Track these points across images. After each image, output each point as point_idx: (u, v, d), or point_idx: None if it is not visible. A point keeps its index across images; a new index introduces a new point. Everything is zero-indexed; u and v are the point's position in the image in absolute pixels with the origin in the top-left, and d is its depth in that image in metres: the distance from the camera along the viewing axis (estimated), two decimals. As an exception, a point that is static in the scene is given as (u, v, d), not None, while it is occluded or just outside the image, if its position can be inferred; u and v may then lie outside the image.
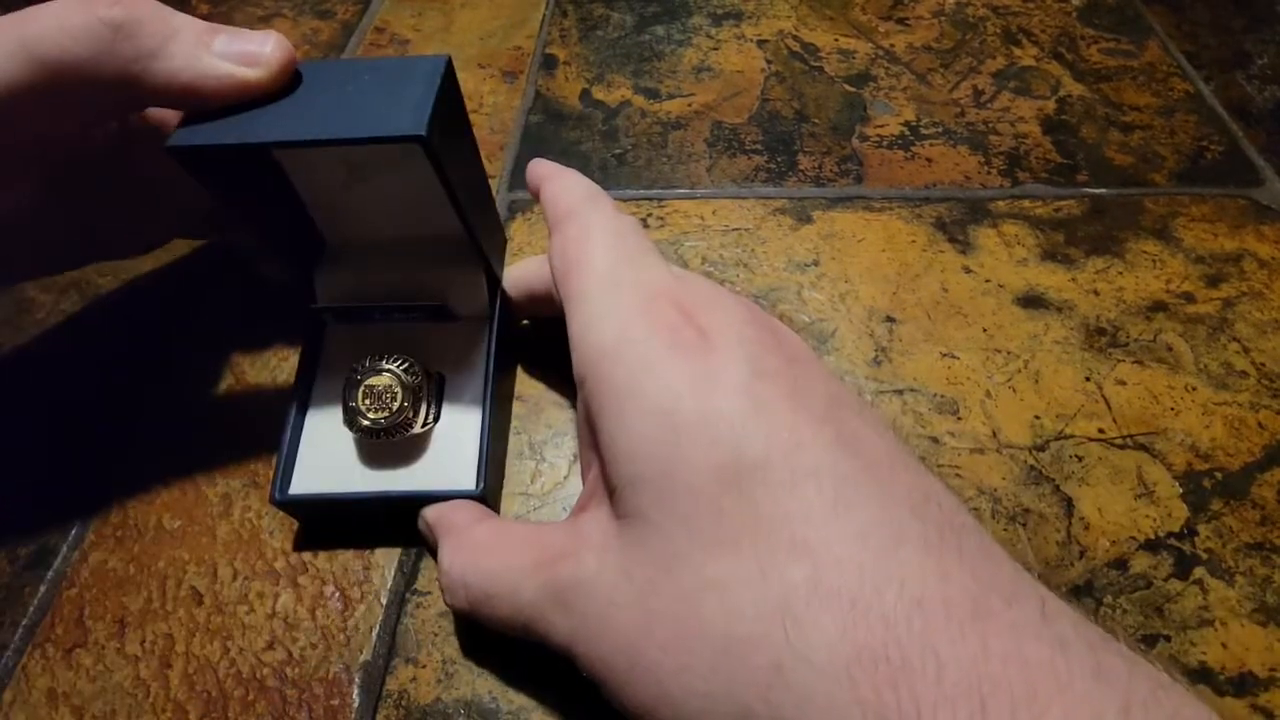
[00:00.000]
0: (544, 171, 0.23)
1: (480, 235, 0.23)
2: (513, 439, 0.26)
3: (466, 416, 0.24)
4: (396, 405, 0.22)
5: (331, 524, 0.24)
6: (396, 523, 0.23)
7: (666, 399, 0.16)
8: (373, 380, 0.22)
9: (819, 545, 0.14)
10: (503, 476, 0.25)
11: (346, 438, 0.24)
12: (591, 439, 0.18)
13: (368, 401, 0.22)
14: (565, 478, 0.25)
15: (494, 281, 0.25)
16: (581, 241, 0.20)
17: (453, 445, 0.24)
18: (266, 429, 0.25)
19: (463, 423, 0.24)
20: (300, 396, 0.24)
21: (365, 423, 0.22)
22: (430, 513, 0.22)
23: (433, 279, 0.25)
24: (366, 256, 0.26)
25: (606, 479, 0.17)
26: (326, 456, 0.23)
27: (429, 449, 0.24)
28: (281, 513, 0.24)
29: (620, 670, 0.15)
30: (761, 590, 0.14)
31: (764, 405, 0.16)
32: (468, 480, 0.23)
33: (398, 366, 0.23)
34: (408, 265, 0.25)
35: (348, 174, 0.23)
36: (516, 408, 0.27)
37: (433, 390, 0.24)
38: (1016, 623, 0.13)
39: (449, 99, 0.20)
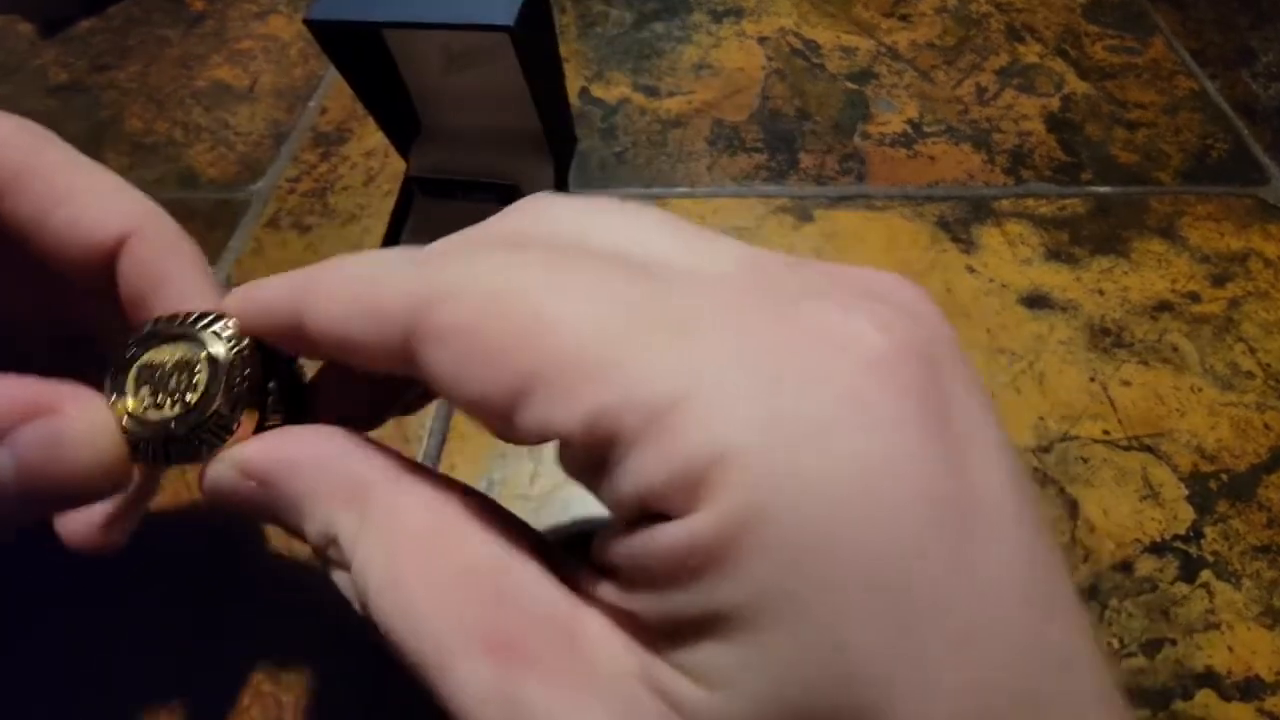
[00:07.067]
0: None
1: (552, 127, 0.27)
2: (512, 440, 0.26)
3: None
4: (195, 397, 0.12)
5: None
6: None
7: None
8: (154, 354, 0.13)
9: None
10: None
11: None
12: None
13: (145, 388, 0.13)
14: (565, 478, 0.25)
15: (562, 173, 0.30)
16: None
17: None
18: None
19: None
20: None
21: (130, 424, 0.12)
22: (260, 449, 0.12)
23: (508, 166, 0.30)
24: (454, 141, 0.31)
25: None
26: None
27: None
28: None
29: None
30: None
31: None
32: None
33: (203, 329, 0.13)
34: (489, 152, 0.30)
35: (447, 62, 0.28)
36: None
37: (270, 379, 0.13)
38: None
39: (538, 5, 0.23)
